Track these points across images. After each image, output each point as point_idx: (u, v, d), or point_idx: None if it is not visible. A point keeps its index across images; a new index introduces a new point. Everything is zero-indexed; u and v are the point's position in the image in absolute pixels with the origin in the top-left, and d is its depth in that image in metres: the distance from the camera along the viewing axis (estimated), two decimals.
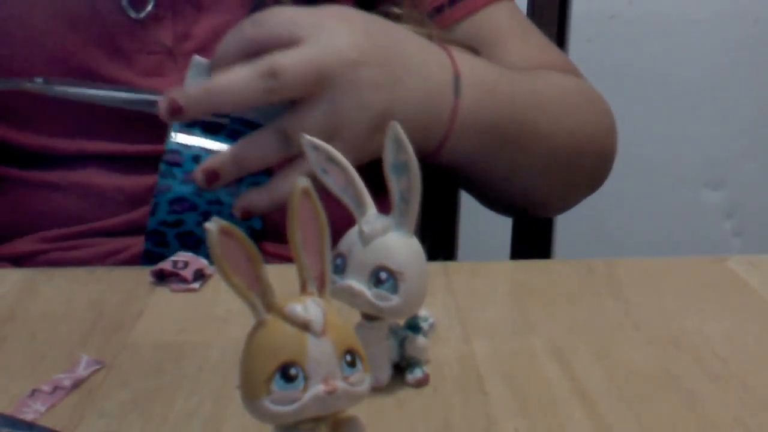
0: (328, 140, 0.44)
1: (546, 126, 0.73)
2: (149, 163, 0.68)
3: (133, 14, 0.71)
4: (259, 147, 0.62)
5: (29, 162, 0.72)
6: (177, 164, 0.65)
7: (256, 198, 0.63)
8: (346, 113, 0.61)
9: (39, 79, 0.67)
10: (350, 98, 0.61)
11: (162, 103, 0.61)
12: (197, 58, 0.65)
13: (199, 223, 0.66)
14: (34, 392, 0.44)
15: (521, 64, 0.78)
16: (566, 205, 0.84)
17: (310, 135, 0.60)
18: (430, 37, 0.70)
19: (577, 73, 0.83)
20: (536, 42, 0.83)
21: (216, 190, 0.64)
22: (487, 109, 0.69)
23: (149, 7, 0.71)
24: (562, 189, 0.80)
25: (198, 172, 0.63)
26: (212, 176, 0.62)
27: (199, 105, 0.61)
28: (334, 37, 0.61)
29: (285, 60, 0.60)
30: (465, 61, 0.69)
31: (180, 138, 0.65)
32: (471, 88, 0.67)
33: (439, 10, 0.78)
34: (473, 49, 0.75)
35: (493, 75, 0.70)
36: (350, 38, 0.62)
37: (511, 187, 0.76)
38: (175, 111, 0.61)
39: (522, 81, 0.73)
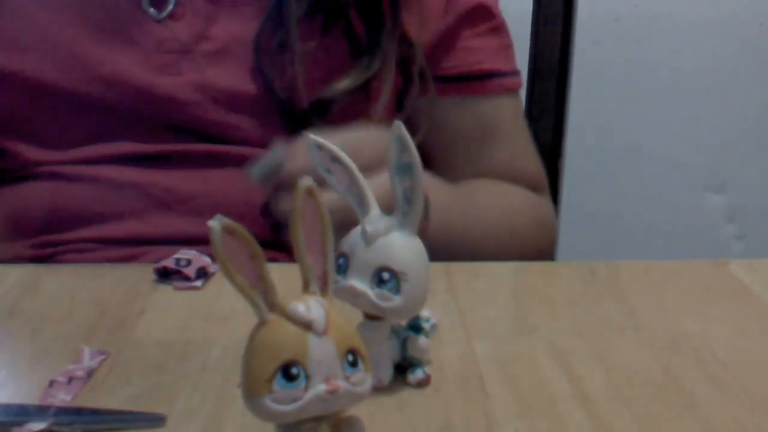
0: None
1: (471, 245, 0.73)
2: (163, 161, 0.68)
3: (153, 13, 0.71)
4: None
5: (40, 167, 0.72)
6: None
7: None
8: None
9: None
10: None
11: None
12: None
13: None
14: (52, 383, 0.45)
15: (498, 165, 0.81)
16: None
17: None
18: None
19: (540, 187, 0.84)
20: (521, 147, 0.84)
21: None
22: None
23: (170, 7, 0.71)
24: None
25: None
26: None
27: None
28: None
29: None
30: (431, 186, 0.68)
31: None
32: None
33: (461, 78, 0.78)
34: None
35: (441, 197, 0.70)
36: None
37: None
38: None
39: (461, 200, 0.74)
